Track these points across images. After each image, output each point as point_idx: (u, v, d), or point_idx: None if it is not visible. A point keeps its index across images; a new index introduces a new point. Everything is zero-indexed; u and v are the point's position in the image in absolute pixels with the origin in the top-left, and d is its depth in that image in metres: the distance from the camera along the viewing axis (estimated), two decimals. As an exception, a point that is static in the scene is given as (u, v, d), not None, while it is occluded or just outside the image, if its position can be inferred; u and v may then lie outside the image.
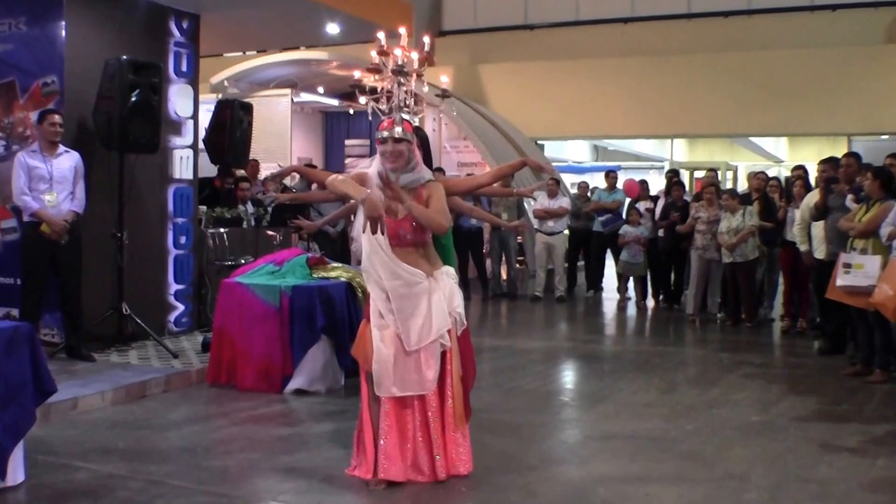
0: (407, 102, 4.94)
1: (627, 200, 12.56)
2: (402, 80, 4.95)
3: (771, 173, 12.24)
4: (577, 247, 12.81)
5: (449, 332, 4.38)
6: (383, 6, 8.99)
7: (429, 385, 4.32)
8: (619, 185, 12.98)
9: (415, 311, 4.30)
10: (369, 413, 4.36)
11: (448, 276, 4.48)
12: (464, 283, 11.73)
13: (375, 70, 4.86)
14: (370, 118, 4.89)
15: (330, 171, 12.24)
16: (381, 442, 4.29)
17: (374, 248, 4.32)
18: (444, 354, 4.39)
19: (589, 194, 13.06)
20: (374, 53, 5.03)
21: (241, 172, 9.71)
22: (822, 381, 7.08)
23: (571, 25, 17.01)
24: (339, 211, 5.91)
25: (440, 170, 10.61)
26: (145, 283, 7.64)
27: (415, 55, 4.96)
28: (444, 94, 5.31)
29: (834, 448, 5.15)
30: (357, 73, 5.20)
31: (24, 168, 6.63)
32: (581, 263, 13.41)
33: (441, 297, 4.36)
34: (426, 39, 5.28)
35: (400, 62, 4.94)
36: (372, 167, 4.46)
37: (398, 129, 4.35)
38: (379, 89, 5.07)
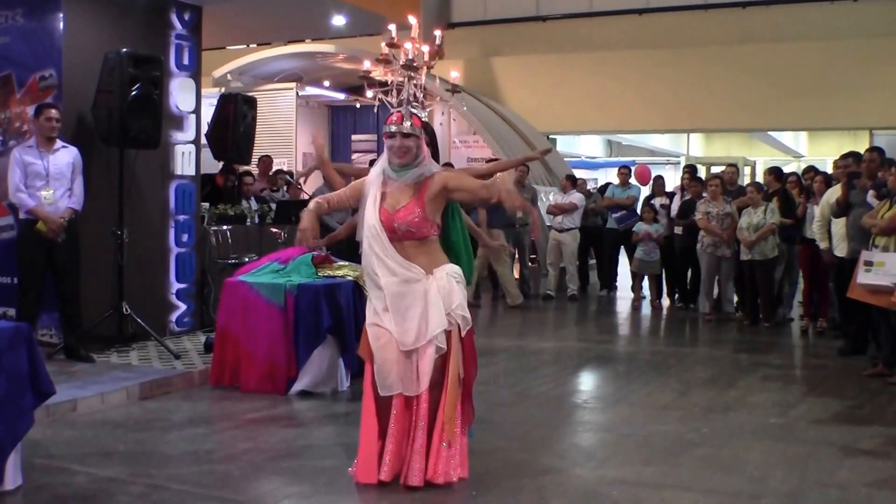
0: (417, 96, 4.82)
1: (642, 196, 12.39)
2: (412, 73, 4.83)
3: (790, 168, 12.06)
4: (587, 245, 12.63)
5: (449, 333, 4.31)
6: (390, -3, 8.90)
7: (421, 387, 4.29)
8: (633, 180, 12.80)
9: (410, 310, 4.25)
10: (375, 413, 4.33)
11: (449, 274, 4.37)
12: (476, 284, 11.64)
13: (385, 61, 4.73)
14: (376, 111, 4.77)
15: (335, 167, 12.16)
16: (388, 444, 4.28)
17: (372, 244, 4.30)
18: (444, 357, 4.33)
19: (591, 189, 12.89)
20: (383, 45, 4.90)
21: (244, 168, 9.61)
22: (843, 382, 6.98)
23: (585, 17, 16.93)
24: (344, 227, 5.80)
25: (449, 164, 10.45)
26: (146, 282, 7.56)
27: (425, 48, 4.84)
28: (455, 89, 5.18)
29: (855, 452, 5.08)
30: (367, 64, 5.05)
31: (19, 164, 6.56)
32: (593, 262, 13.25)
33: (437, 296, 4.28)
34: (437, 32, 5.17)
35: (411, 56, 4.82)
36: (377, 163, 4.48)
37: (407, 124, 4.33)
38: (389, 82, 4.96)
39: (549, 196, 12.50)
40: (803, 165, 10.90)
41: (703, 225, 9.89)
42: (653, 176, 12.68)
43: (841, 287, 7.69)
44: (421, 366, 4.27)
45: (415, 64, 4.96)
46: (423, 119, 4.59)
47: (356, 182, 4.56)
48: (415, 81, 4.93)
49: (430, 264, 4.34)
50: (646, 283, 11.68)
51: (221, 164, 9.13)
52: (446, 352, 4.31)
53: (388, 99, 4.93)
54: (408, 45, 4.96)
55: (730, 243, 9.70)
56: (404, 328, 4.24)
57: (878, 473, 4.67)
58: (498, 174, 4.56)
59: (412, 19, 5.08)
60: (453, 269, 4.42)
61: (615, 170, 13.64)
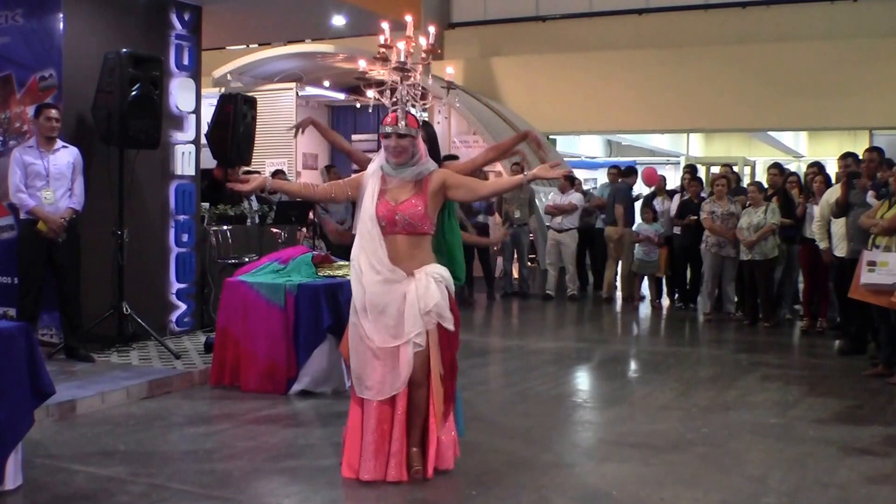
0: (413, 95, 4.84)
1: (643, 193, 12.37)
2: (407, 73, 4.86)
3: (791, 168, 12.05)
4: (583, 245, 12.59)
5: (427, 332, 4.33)
6: (390, -4, 8.89)
7: (399, 386, 4.30)
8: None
9: (386, 310, 4.28)
10: (360, 409, 4.40)
11: (429, 274, 4.35)
12: (468, 282, 11.59)
13: (382, 59, 4.77)
14: (371, 110, 4.77)
15: (334, 165, 12.16)
16: (365, 441, 4.34)
17: (363, 240, 4.34)
18: (426, 355, 4.35)
19: (592, 190, 12.86)
20: (381, 39, 4.91)
21: (246, 168, 9.58)
22: (843, 382, 6.98)
23: (584, 17, 16.92)
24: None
25: (454, 157, 10.29)
26: (146, 281, 7.56)
27: (422, 41, 4.85)
28: (450, 86, 5.18)
29: (855, 451, 5.07)
30: (363, 63, 5.06)
31: (19, 164, 6.56)
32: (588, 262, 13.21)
33: (414, 297, 4.28)
34: (431, 30, 5.16)
35: (403, 56, 4.83)
36: (374, 163, 4.49)
37: (402, 124, 4.35)
38: (385, 83, 4.97)
39: (548, 196, 12.48)
40: (802, 165, 10.89)
41: (707, 225, 9.89)
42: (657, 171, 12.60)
43: (841, 287, 7.68)
44: (400, 365, 4.28)
45: (407, 66, 4.98)
46: (422, 119, 4.60)
47: (356, 175, 4.58)
48: (410, 81, 4.94)
49: (417, 265, 4.35)
50: (645, 283, 11.68)
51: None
52: (427, 351, 4.32)
53: (384, 99, 4.95)
54: (401, 45, 4.98)
55: (734, 243, 9.69)
56: (379, 327, 4.28)
57: (877, 472, 4.67)
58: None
59: (408, 18, 5.08)
60: (434, 270, 4.39)
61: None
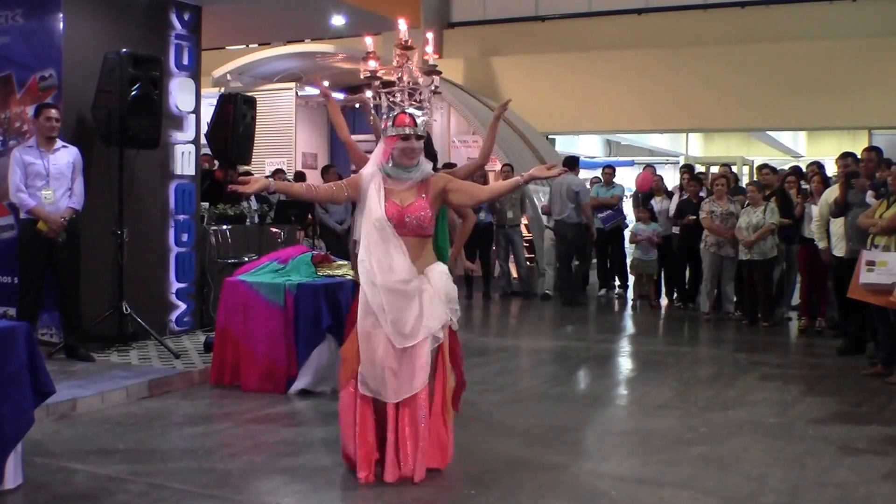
0: (419, 98, 4.87)
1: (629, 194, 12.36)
2: (433, 76, 4.91)
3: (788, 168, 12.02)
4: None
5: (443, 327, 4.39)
6: (390, -3, 8.91)
7: (418, 385, 4.31)
8: (616, 179, 12.73)
9: (406, 308, 4.28)
10: (360, 413, 4.38)
11: (440, 272, 4.43)
12: (467, 281, 11.61)
13: (373, 58, 4.80)
14: (386, 111, 4.75)
15: (334, 165, 12.18)
16: (387, 447, 4.32)
17: (371, 242, 4.32)
18: (436, 350, 4.39)
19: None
20: (368, 41, 4.93)
21: (244, 168, 9.60)
22: (842, 381, 6.98)
23: (583, 17, 16.93)
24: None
25: (452, 164, 10.40)
26: (146, 281, 7.55)
27: (429, 48, 4.88)
28: (436, 91, 5.18)
29: (853, 450, 5.08)
30: (373, 63, 5.05)
31: (19, 164, 6.57)
32: (593, 262, 13.22)
33: (433, 294, 4.33)
34: (429, 36, 5.17)
35: (429, 59, 4.87)
36: (370, 165, 4.49)
37: (420, 127, 4.36)
38: (394, 83, 4.96)
39: (545, 196, 12.46)
40: (801, 165, 10.89)
41: (706, 224, 9.88)
42: (652, 175, 12.57)
43: (840, 287, 7.68)
44: (417, 364, 4.29)
45: (437, 67, 5.03)
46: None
47: (353, 176, 4.57)
48: (427, 83, 4.97)
49: (424, 263, 4.39)
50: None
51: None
52: (440, 344, 4.36)
53: (394, 99, 4.95)
54: (428, 49, 5.01)
55: (733, 243, 9.70)
56: (399, 326, 4.26)
57: (876, 472, 4.67)
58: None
59: (402, 24, 5.07)
60: (445, 268, 4.49)
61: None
